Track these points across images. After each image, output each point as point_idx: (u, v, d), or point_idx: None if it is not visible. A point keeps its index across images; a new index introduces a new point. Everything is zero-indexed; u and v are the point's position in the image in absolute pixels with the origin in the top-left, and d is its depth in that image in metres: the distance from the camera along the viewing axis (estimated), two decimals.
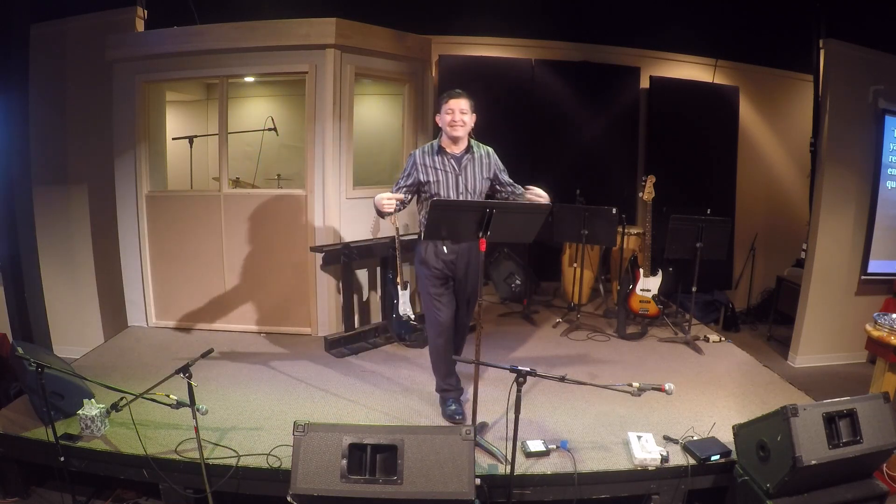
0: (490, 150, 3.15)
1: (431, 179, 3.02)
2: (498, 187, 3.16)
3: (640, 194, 4.47)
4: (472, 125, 3.03)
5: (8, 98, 3.69)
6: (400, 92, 4.84)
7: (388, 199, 2.87)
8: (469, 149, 3.06)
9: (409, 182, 3.05)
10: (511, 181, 3.18)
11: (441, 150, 3.03)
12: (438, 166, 3.02)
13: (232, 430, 2.97)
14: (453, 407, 3.20)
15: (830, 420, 2.42)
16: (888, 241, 4.77)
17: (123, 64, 4.38)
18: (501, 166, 3.16)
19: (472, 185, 3.05)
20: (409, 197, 3.08)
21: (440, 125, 3.04)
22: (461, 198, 3.02)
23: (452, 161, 3.03)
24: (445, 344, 3.16)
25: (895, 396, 2.89)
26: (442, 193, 3.02)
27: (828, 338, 4.83)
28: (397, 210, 3.00)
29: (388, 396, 3.46)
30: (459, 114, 2.94)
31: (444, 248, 3.04)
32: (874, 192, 4.67)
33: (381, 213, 2.97)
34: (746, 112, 6.17)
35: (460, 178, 3.03)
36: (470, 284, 3.14)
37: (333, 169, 4.27)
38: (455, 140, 3.01)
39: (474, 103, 3.01)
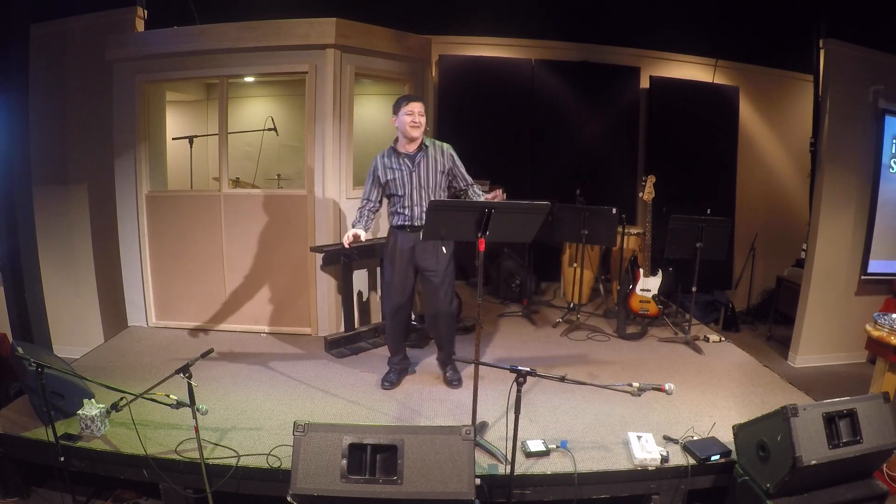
0: (446, 146, 3.43)
1: (390, 178, 3.35)
2: (453, 182, 3.45)
3: (640, 194, 4.47)
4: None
5: (8, 98, 3.68)
6: (400, 92, 4.83)
7: (347, 239, 3.27)
8: (422, 147, 3.36)
9: (375, 186, 3.40)
10: (465, 175, 3.46)
11: (395, 152, 3.37)
12: (395, 166, 3.36)
13: (232, 430, 2.97)
14: (391, 377, 3.62)
15: (830, 420, 2.42)
16: (888, 241, 4.77)
17: (123, 64, 4.38)
18: (458, 161, 3.43)
19: (426, 180, 3.35)
20: (378, 204, 3.45)
21: (396, 126, 3.34)
22: (415, 191, 3.34)
23: (407, 160, 3.35)
24: (394, 326, 3.57)
25: (895, 396, 2.89)
26: (398, 190, 3.35)
27: (828, 338, 4.84)
28: (367, 229, 3.39)
29: (388, 396, 3.46)
30: (419, 115, 3.28)
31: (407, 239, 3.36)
32: (874, 192, 4.67)
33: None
34: (746, 112, 6.17)
35: (415, 174, 3.34)
36: (436, 271, 3.39)
37: (333, 169, 4.27)
38: (411, 140, 3.32)
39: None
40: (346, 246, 3.30)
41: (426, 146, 3.36)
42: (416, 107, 3.28)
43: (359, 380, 3.70)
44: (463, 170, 3.45)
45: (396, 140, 3.39)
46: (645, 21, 5.59)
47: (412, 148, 3.34)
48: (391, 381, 3.61)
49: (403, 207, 3.35)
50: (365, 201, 3.42)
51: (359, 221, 3.36)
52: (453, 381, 3.58)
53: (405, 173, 3.33)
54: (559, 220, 4.70)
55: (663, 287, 4.71)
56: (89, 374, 3.26)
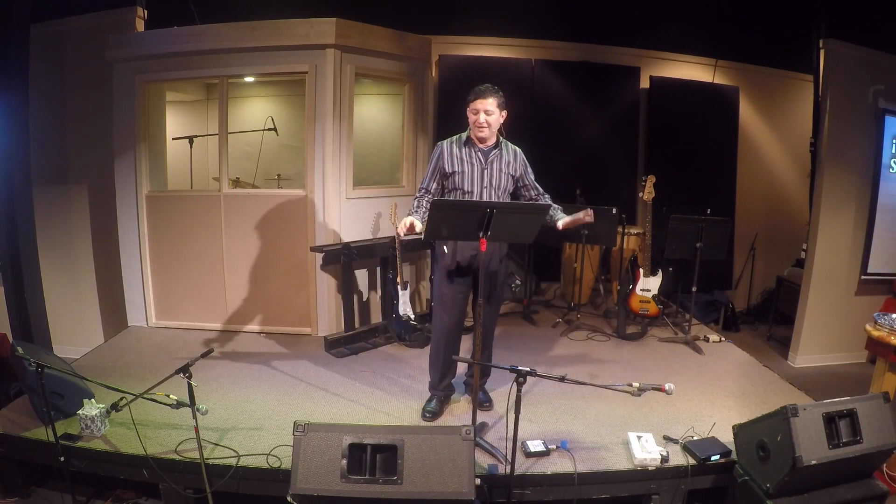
0: (519, 150, 3.13)
1: (457, 170, 3.00)
2: (522, 190, 3.16)
3: (640, 194, 4.46)
4: (501, 122, 3.01)
5: (8, 98, 3.69)
6: (400, 92, 4.84)
7: (403, 227, 2.88)
8: (498, 145, 3.04)
9: (436, 176, 3.07)
10: (535, 184, 3.17)
11: (469, 142, 3.02)
12: (465, 157, 3.01)
13: (232, 430, 2.97)
14: (432, 405, 3.25)
15: (830, 420, 2.42)
16: (888, 241, 4.77)
17: (123, 64, 4.38)
18: (528, 167, 3.15)
19: (497, 180, 3.03)
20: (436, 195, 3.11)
21: (469, 120, 3.01)
22: (485, 191, 3.01)
23: (479, 154, 3.01)
24: (445, 346, 3.17)
25: (895, 396, 2.89)
26: (466, 186, 3.01)
27: (828, 338, 4.83)
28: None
29: (388, 396, 3.46)
30: (484, 115, 2.91)
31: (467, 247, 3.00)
32: (874, 192, 4.67)
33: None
34: (746, 112, 6.16)
35: (486, 171, 3.01)
36: (491, 283, 3.07)
37: (333, 169, 4.27)
38: (482, 139, 3.01)
39: (502, 99, 2.97)
40: (401, 234, 2.95)
41: (501, 144, 3.05)
42: (482, 104, 2.90)
43: (359, 379, 3.69)
44: (533, 177, 3.16)
45: (469, 129, 3.02)
46: (645, 21, 5.58)
47: (486, 144, 3.01)
48: (433, 411, 3.23)
49: None
50: (423, 192, 3.09)
51: (415, 211, 3.01)
52: (484, 403, 3.28)
53: (476, 169, 2.99)
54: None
55: (663, 287, 4.71)
56: (89, 374, 3.27)
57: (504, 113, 3.00)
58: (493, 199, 3.01)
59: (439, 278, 3.12)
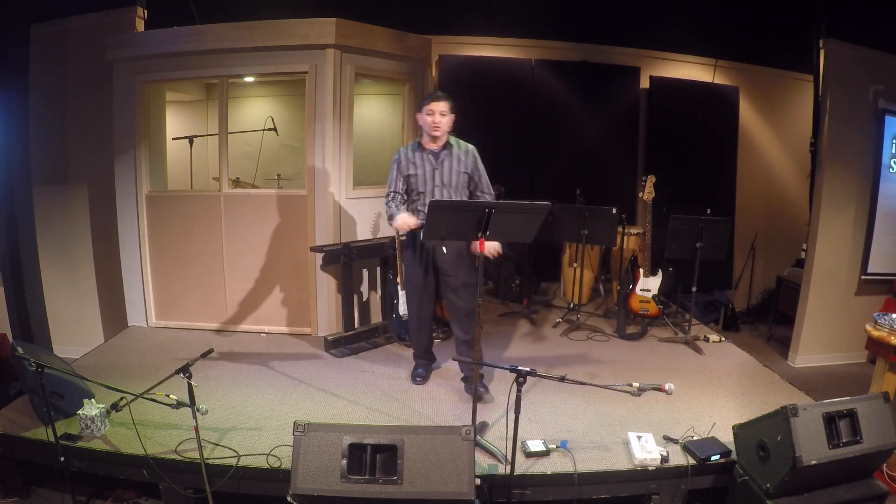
0: (471, 148, 3.39)
1: (412, 173, 3.32)
2: (471, 187, 3.42)
3: (640, 194, 4.47)
4: (451, 124, 3.30)
5: (8, 98, 3.69)
6: (400, 92, 4.84)
7: (404, 221, 3.18)
8: (447, 146, 3.32)
9: (400, 177, 3.36)
10: (487, 182, 3.42)
11: (420, 147, 3.33)
12: (418, 161, 3.32)
13: (232, 430, 2.97)
14: (420, 371, 3.69)
15: (830, 420, 2.42)
16: (888, 241, 4.77)
17: (123, 64, 4.38)
18: (480, 165, 3.40)
19: (449, 177, 3.31)
20: (405, 196, 3.40)
21: (421, 124, 3.31)
22: (437, 189, 3.31)
23: (431, 156, 3.31)
24: (418, 326, 3.56)
25: (895, 396, 2.89)
26: (420, 186, 3.31)
27: (828, 338, 4.84)
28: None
29: (388, 396, 3.46)
30: (439, 115, 3.22)
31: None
32: (874, 192, 4.67)
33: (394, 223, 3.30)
34: (746, 112, 6.17)
35: (437, 171, 3.31)
36: (456, 273, 3.32)
37: (333, 169, 4.27)
38: (434, 139, 3.29)
39: (453, 104, 3.28)
40: (409, 229, 3.22)
41: (451, 145, 3.32)
42: (438, 107, 3.21)
43: (359, 379, 3.70)
44: (484, 176, 3.39)
45: (422, 135, 3.34)
46: (645, 21, 5.59)
47: (436, 145, 3.30)
48: (423, 375, 3.66)
49: (424, 205, 3.25)
50: (393, 193, 3.37)
51: (398, 210, 3.29)
52: (484, 395, 3.36)
53: (427, 170, 3.29)
54: (559, 220, 4.70)
55: (663, 287, 4.71)
56: (89, 374, 3.26)
57: (453, 116, 3.28)
58: (446, 196, 3.29)
59: (407, 264, 3.47)
